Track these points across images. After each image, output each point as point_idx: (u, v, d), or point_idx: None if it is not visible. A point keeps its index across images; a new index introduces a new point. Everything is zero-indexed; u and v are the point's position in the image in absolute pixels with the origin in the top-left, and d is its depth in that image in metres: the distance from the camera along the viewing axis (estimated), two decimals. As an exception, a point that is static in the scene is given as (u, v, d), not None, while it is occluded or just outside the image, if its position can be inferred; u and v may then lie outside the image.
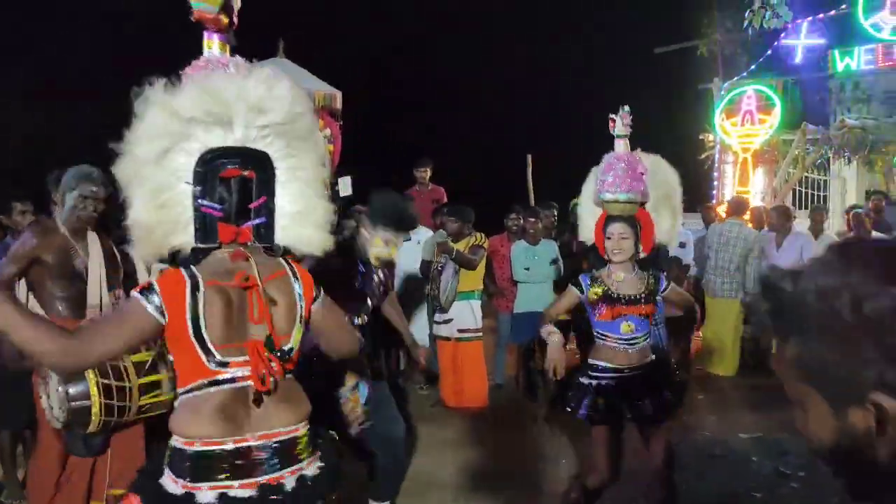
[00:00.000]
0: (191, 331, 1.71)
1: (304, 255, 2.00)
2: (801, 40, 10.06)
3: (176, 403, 1.81)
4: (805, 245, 6.16)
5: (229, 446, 1.72)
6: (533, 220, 5.77)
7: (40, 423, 3.31)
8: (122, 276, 3.68)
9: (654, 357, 3.06)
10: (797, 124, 9.88)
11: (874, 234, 6.13)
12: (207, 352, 1.72)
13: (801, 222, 7.36)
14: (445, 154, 9.35)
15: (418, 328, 5.40)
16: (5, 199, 4.00)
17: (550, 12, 16.88)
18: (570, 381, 3.07)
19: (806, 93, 10.56)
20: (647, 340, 3.02)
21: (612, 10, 14.32)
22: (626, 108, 3.10)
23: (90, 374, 2.98)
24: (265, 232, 1.84)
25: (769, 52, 10.28)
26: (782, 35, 10.15)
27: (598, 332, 3.03)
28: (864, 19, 9.58)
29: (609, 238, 2.95)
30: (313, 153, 1.92)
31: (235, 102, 1.76)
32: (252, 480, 1.72)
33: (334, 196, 2.42)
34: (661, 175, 3.25)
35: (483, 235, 5.51)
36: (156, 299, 1.70)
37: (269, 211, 1.84)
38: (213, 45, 1.97)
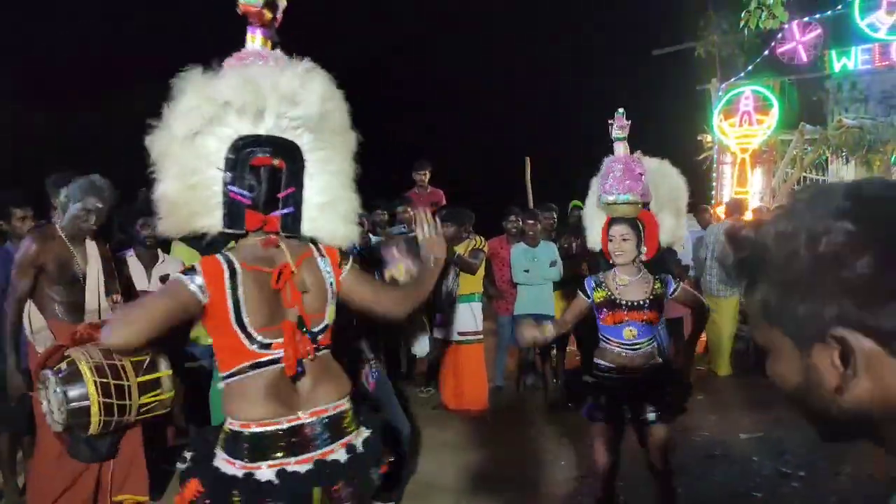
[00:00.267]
0: (232, 315, 1.76)
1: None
2: (798, 41, 10.08)
3: (220, 386, 1.85)
4: None
5: (284, 426, 1.80)
6: (532, 222, 5.77)
7: (39, 429, 3.32)
8: (119, 281, 3.70)
9: (660, 360, 3.06)
10: (795, 125, 9.90)
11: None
12: (248, 335, 1.78)
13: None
14: (445, 155, 9.35)
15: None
16: (3, 205, 3.99)
17: (549, 14, 16.90)
18: (573, 381, 3.10)
19: (803, 93, 10.58)
20: (652, 345, 3.02)
21: (610, 12, 14.34)
22: (621, 111, 3.12)
23: (87, 374, 2.98)
24: (292, 222, 1.88)
25: (766, 52, 10.29)
26: (779, 35, 10.16)
27: (602, 335, 3.05)
28: (860, 19, 9.60)
29: (611, 240, 2.96)
30: (343, 147, 1.96)
31: (268, 92, 1.82)
32: (307, 456, 1.81)
33: None
34: (666, 178, 3.25)
35: (482, 239, 5.51)
36: (198, 279, 1.75)
37: (296, 201, 1.87)
38: (255, 39, 2.00)
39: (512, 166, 9.38)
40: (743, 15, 10.13)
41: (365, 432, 1.98)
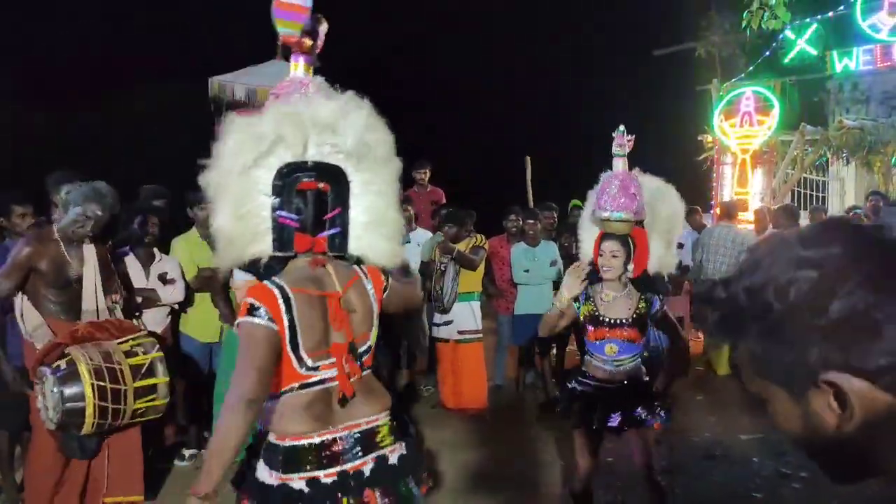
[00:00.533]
0: (288, 340, 1.83)
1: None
2: (800, 41, 10.07)
3: (267, 405, 1.89)
4: None
5: (316, 440, 1.87)
6: (532, 221, 5.77)
7: (35, 425, 3.32)
8: (118, 281, 3.70)
9: (646, 379, 3.10)
10: (796, 125, 9.88)
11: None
12: (300, 359, 1.85)
13: (801, 223, 7.38)
14: (445, 154, 9.34)
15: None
16: (3, 202, 3.99)
17: (549, 13, 16.89)
18: (565, 384, 3.18)
19: (804, 94, 10.57)
20: (636, 361, 3.08)
21: (611, 12, 14.33)
22: (622, 128, 3.14)
23: (85, 376, 2.98)
24: (339, 242, 1.96)
25: (767, 53, 10.28)
26: (780, 36, 10.15)
27: (587, 349, 3.15)
28: (862, 20, 9.59)
29: (601, 255, 3.01)
30: (387, 170, 2.03)
31: (309, 125, 1.89)
32: (336, 469, 1.86)
33: None
34: (664, 203, 3.24)
35: (483, 237, 5.51)
36: (263, 313, 1.80)
37: (343, 222, 1.95)
38: (298, 67, 2.09)
39: (512, 166, 9.38)
40: (745, 15, 10.12)
41: (402, 449, 2.01)
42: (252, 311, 1.81)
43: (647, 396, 3.04)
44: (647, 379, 3.12)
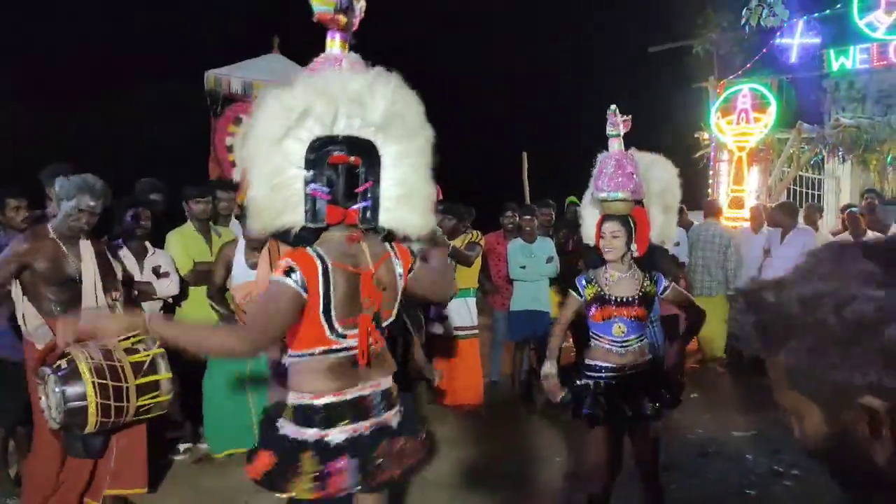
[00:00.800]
0: (321, 308, 1.95)
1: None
2: (797, 39, 10.08)
3: (285, 361, 2.03)
4: (808, 241, 6.18)
5: (348, 397, 2.03)
6: (529, 217, 5.77)
7: (37, 424, 3.30)
8: (118, 277, 3.68)
9: (651, 357, 3.06)
10: (792, 123, 9.89)
11: (869, 233, 6.16)
12: (331, 326, 1.97)
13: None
14: (441, 152, 9.32)
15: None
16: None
17: (547, 11, 16.88)
18: (568, 381, 3.09)
19: (801, 92, 10.58)
20: (642, 342, 3.02)
21: (608, 9, 14.32)
22: (614, 107, 3.13)
23: (86, 375, 2.97)
24: (370, 215, 2.03)
25: (764, 50, 10.29)
26: (778, 34, 10.16)
27: (592, 333, 3.05)
28: (858, 19, 9.59)
29: (602, 237, 2.98)
30: (419, 141, 2.08)
31: (338, 97, 1.95)
32: (369, 422, 2.06)
33: None
34: (656, 172, 3.27)
35: (479, 233, 5.52)
36: (298, 277, 1.91)
37: (374, 195, 2.02)
38: (334, 44, 2.11)
39: (509, 162, 9.37)
40: (744, 13, 10.13)
41: (400, 407, 2.22)
42: (288, 272, 1.90)
43: (661, 380, 3.00)
44: (651, 357, 3.05)
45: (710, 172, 10.74)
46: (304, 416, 2.01)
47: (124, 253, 4.14)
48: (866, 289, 0.68)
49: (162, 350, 3.23)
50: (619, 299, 2.96)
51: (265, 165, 1.96)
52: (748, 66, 10.48)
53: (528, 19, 17.70)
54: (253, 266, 3.82)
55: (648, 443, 2.97)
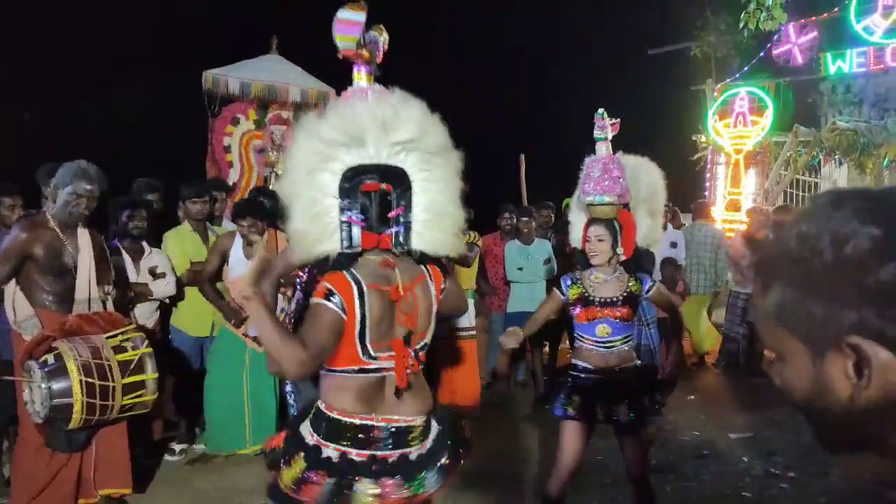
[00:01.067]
0: (357, 329, 1.98)
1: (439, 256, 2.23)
2: (795, 42, 10.10)
3: (322, 373, 2.06)
4: None
5: (356, 421, 2.03)
6: (526, 219, 5.77)
7: (21, 419, 3.29)
8: (113, 272, 3.66)
9: (638, 362, 3.08)
10: (789, 126, 9.92)
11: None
12: (364, 348, 2.00)
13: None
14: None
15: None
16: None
17: (546, 13, 16.90)
18: (557, 381, 3.12)
19: (798, 95, 10.62)
20: (628, 344, 3.03)
21: (606, 11, 14.34)
22: (601, 111, 3.15)
23: (73, 372, 2.96)
24: (403, 238, 2.09)
25: (762, 54, 10.32)
26: (775, 37, 10.19)
27: (576, 334, 3.08)
28: (855, 22, 9.63)
29: (588, 240, 3.00)
30: (446, 167, 2.17)
31: (367, 125, 2.01)
32: (367, 452, 2.03)
33: None
34: (642, 176, 3.26)
35: (477, 234, 5.51)
36: (337, 300, 1.95)
37: (406, 220, 2.09)
38: (360, 77, 2.23)
39: (507, 164, 9.37)
40: (742, 16, 10.15)
41: (429, 444, 2.14)
42: (329, 296, 1.95)
43: (648, 386, 3.00)
44: (640, 363, 3.07)
45: (707, 175, 10.77)
46: (316, 421, 2.08)
47: (123, 257, 4.12)
48: (865, 227, 0.67)
49: (150, 349, 3.23)
50: (603, 300, 2.98)
51: (303, 197, 2.04)
52: (746, 69, 10.51)
53: (526, 21, 17.72)
54: (250, 259, 3.82)
55: (637, 447, 2.99)
